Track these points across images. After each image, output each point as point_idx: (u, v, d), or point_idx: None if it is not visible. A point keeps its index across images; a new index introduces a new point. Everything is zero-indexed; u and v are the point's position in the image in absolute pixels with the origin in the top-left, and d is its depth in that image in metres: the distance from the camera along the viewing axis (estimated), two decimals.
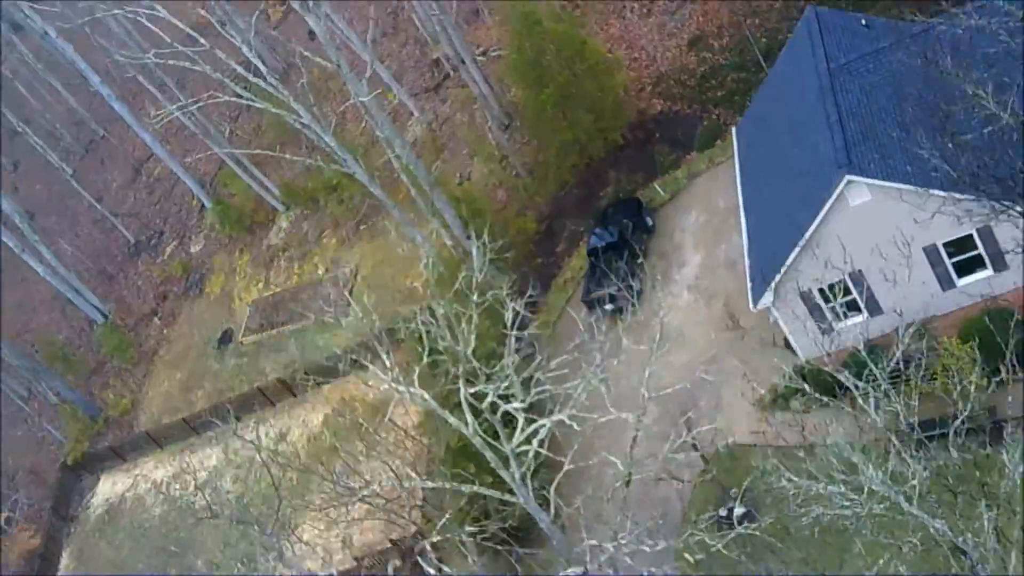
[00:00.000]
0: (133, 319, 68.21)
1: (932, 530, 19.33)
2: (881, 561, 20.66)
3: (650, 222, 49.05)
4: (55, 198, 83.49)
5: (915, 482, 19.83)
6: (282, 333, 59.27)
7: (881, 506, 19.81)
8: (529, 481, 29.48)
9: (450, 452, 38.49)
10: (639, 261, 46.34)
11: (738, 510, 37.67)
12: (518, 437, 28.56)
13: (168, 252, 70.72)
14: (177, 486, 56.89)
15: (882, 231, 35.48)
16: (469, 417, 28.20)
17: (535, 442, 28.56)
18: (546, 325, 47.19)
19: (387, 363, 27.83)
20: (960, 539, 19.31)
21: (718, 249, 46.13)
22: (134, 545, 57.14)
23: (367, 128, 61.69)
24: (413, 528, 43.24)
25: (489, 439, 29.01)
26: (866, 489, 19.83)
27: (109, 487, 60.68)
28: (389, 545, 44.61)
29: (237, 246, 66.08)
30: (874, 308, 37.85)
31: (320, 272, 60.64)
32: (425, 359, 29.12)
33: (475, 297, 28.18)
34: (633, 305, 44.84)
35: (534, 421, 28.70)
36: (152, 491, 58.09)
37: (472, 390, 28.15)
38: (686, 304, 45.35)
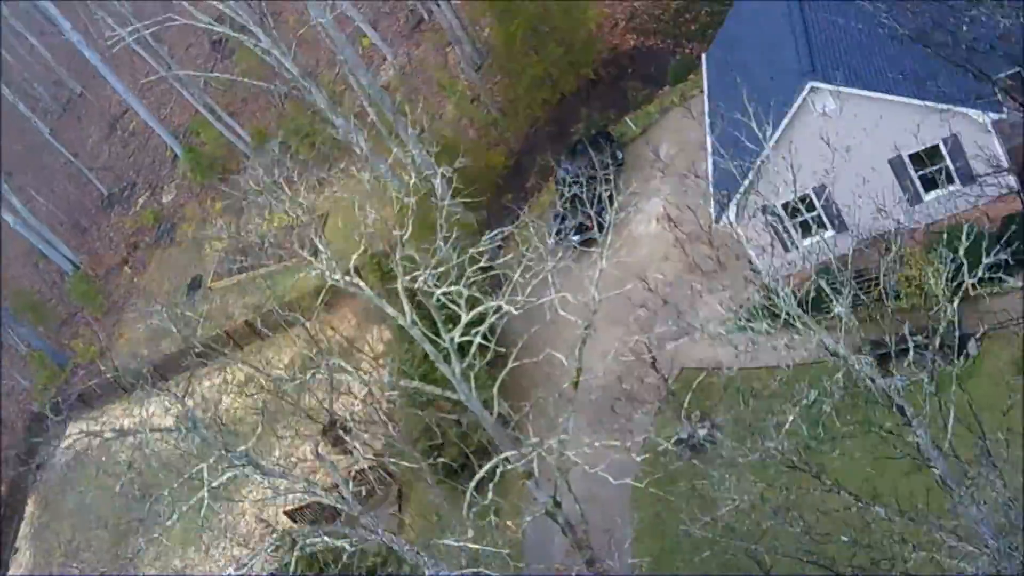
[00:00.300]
0: (104, 269, 67.45)
1: (855, 369, 18.20)
2: (804, 401, 19.63)
3: (620, 155, 48.11)
4: (31, 156, 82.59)
5: (841, 310, 18.76)
6: (251, 278, 58.28)
7: (799, 336, 18.77)
8: (472, 379, 28.50)
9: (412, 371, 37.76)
10: (608, 193, 45.30)
11: (700, 431, 36.76)
12: (460, 328, 27.58)
13: (140, 203, 69.92)
14: (144, 432, 55.84)
15: (847, 142, 34.48)
16: (407, 306, 27.27)
17: (477, 334, 27.55)
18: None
19: (320, 247, 26.84)
20: (890, 384, 18.23)
21: (687, 181, 45.16)
22: (100, 492, 56.08)
23: (340, 77, 60.74)
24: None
25: (429, 333, 28.09)
26: (783, 315, 18.80)
27: (76, 435, 59.60)
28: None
29: (208, 194, 65.18)
30: (839, 224, 36.89)
31: (290, 216, 59.43)
32: (363, 247, 28.28)
33: (412, 178, 27.22)
34: (598, 237, 43.85)
35: (476, 307, 27.71)
36: (118, 438, 56.99)
37: (408, 276, 27.22)
38: (654, 234, 44.51)
